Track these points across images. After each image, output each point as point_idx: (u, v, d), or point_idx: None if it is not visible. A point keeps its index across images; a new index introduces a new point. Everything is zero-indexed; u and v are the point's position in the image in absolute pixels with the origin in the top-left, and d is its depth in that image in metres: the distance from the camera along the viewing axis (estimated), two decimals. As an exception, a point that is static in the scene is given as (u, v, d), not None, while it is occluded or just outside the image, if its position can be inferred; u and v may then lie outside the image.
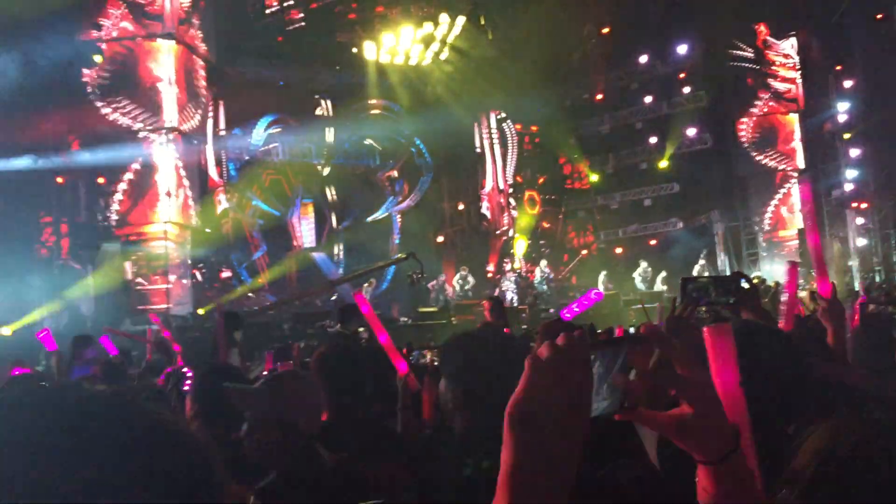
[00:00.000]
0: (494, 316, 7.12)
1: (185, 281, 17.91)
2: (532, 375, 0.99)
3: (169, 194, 17.07)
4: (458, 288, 21.37)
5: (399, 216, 24.80)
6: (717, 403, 1.06)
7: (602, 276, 21.84)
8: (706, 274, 20.44)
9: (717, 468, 1.02)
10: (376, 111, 24.38)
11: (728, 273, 19.89)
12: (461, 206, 26.63)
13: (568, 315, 5.14)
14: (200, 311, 16.66)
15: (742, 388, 1.70)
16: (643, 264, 22.26)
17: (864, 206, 21.44)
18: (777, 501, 0.82)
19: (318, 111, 23.41)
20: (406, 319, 17.46)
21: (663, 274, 21.07)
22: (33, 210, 16.39)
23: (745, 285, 3.12)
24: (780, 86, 23.56)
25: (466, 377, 2.10)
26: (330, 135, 23.39)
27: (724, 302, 3.10)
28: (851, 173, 21.62)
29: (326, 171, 23.39)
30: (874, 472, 0.83)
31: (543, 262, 22.99)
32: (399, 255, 19.19)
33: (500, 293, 21.76)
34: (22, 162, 15.39)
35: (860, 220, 21.25)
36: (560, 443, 0.95)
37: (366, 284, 20.77)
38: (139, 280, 16.83)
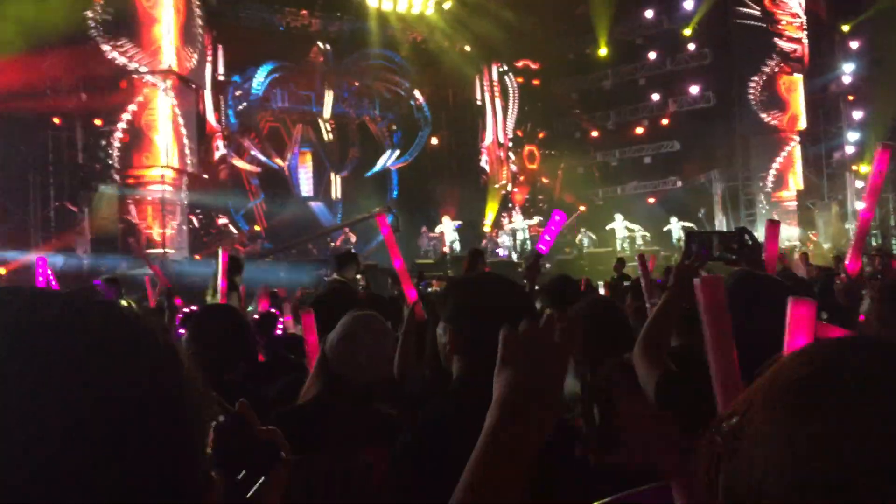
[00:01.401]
0: (470, 269, 7.12)
1: (182, 226, 17.89)
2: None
3: (167, 138, 16.95)
4: (450, 237, 21.29)
5: (397, 170, 24.69)
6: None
7: (619, 219, 21.91)
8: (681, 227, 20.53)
9: None
10: (377, 61, 24.10)
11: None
12: (460, 159, 26.49)
13: (542, 248, 5.10)
14: (197, 257, 16.70)
15: (742, 335, 1.71)
16: (618, 217, 22.23)
17: (864, 169, 21.38)
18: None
19: (319, 59, 23.14)
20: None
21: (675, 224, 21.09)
22: (30, 151, 16.27)
23: (749, 241, 3.13)
24: (787, 45, 23.29)
25: (463, 321, 2.09)
26: (329, 83, 23.16)
27: (727, 257, 3.12)
28: (853, 136, 21.51)
29: (325, 120, 23.20)
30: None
31: (538, 219, 22.98)
32: (377, 209, 19.22)
33: (496, 247, 21.84)
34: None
35: (859, 184, 21.21)
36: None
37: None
38: (136, 224, 16.79)
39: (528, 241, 21.67)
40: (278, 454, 1.08)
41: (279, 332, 4.93)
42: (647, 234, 22.00)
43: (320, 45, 22.98)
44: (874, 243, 20.36)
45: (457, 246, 20.94)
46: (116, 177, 16.75)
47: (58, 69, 16.03)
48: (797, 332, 1.63)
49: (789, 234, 21.92)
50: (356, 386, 2.57)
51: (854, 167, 21.30)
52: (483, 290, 2.14)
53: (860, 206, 20.50)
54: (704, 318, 1.66)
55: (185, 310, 4.34)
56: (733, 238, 3.16)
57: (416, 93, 24.70)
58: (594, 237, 22.17)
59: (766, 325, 1.69)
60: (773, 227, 3.85)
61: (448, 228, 21.54)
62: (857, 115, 21.56)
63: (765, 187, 23.67)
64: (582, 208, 26.12)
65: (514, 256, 20.53)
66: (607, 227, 22.38)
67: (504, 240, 22.32)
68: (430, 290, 7.41)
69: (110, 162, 16.71)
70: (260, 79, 21.85)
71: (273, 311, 5.49)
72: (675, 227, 21.53)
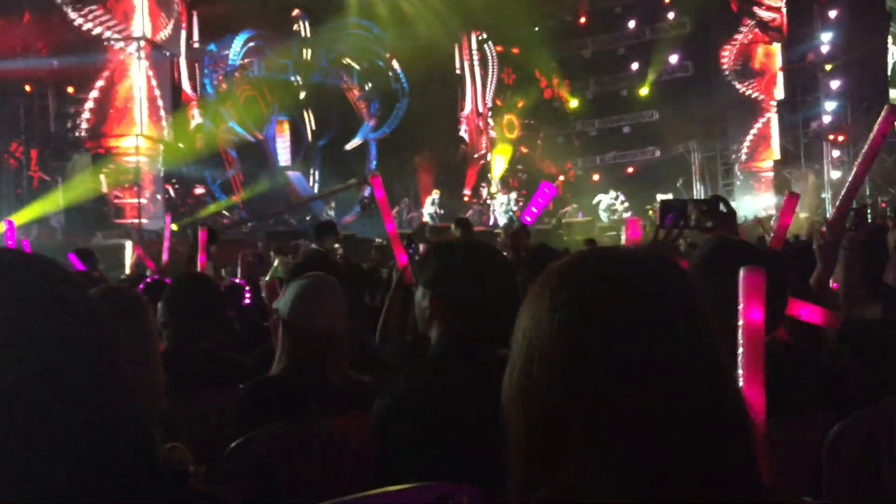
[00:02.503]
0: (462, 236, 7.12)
1: (158, 196, 17.69)
2: None
3: (141, 107, 16.69)
4: (429, 209, 21.26)
5: (376, 141, 24.53)
6: None
7: (607, 196, 21.99)
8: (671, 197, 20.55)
9: None
10: (354, 31, 23.81)
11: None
12: (439, 129, 26.35)
13: (528, 219, 5.11)
14: (174, 227, 16.51)
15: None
16: (611, 192, 22.31)
17: (840, 138, 21.47)
18: None
19: (295, 27, 22.81)
20: (381, 241, 17.44)
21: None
22: (1, 119, 15.97)
23: (723, 209, 3.12)
24: (765, 14, 23.23)
25: (441, 286, 2.07)
26: (307, 52, 22.88)
27: (703, 226, 3.11)
28: (830, 105, 21.56)
29: (302, 89, 22.94)
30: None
31: (512, 195, 22.95)
32: (352, 179, 19.12)
33: (488, 215, 21.89)
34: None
35: (836, 153, 21.31)
36: None
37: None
38: (111, 193, 16.58)
39: (513, 214, 21.65)
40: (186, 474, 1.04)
41: (247, 301, 4.91)
42: (628, 203, 22.07)
43: (297, 14, 22.65)
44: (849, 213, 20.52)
45: (436, 218, 20.92)
46: (90, 146, 16.50)
47: (29, 36, 15.70)
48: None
49: (766, 203, 22.06)
50: (319, 345, 2.56)
51: (831, 136, 21.39)
52: (464, 256, 2.11)
53: (836, 175, 20.67)
54: (743, 307, 1.65)
55: (148, 280, 4.31)
56: (708, 206, 3.15)
57: (395, 63, 24.46)
58: (576, 206, 22.29)
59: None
60: (792, 199, 3.91)
61: (427, 202, 21.45)
62: (835, 84, 21.60)
63: (741, 157, 23.76)
64: (561, 178, 26.15)
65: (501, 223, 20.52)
66: (594, 201, 22.42)
67: (496, 206, 22.29)
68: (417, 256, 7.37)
69: (83, 128, 16.44)
70: (237, 48, 21.53)
71: (238, 281, 5.48)
72: (605, 200, 21.85)
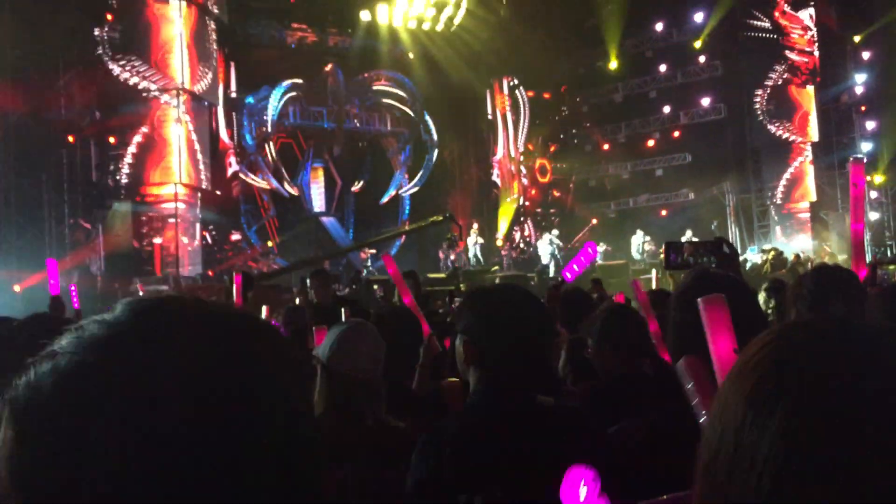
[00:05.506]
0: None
1: (195, 242, 17.96)
2: None
3: (180, 155, 17.04)
4: (471, 251, 21.24)
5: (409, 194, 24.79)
6: None
7: (637, 237, 21.84)
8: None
9: None
10: (385, 84, 24.24)
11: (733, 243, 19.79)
12: (472, 174, 26.53)
13: (569, 275, 5.08)
14: (210, 273, 16.75)
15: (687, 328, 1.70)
16: (639, 233, 22.13)
17: (878, 179, 21.25)
18: None
19: (330, 76, 23.26)
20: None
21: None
22: (45, 169, 16.39)
23: (726, 250, 3.17)
24: (797, 57, 23.24)
25: (476, 332, 2.08)
26: (341, 100, 23.27)
27: (705, 265, 3.16)
28: (866, 146, 21.40)
29: (336, 135, 23.29)
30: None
31: (555, 231, 22.87)
32: (436, 216, 19.25)
33: (510, 259, 21.85)
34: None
35: (873, 194, 21.08)
36: None
37: (371, 251, 20.86)
38: (149, 240, 16.86)
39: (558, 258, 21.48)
40: None
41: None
42: (653, 245, 21.93)
43: (331, 64, 23.10)
44: (889, 253, 20.21)
45: (480, 258, 20.98)
46: (130, 194, 16.84)
47: (72, 88, 16.17)
48: (715, 330, 1.60)
49: (803, 244, 21.79)
50: (356, 390, 2.58)
51: (868, 178, 21.18)
52: (499, 301, 2.13)
53: (874, 216, 20.42)
54: (709, 338, 1.64)
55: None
56: (709, 247, 3.21)
57: (425, 114, 24.78)
58: (608, 248, 22.19)
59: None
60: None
61: (471, 241, 21.46)
62: (870, 125, 21.45)
63: (777, 198, 23.56)
64: (594, 221, 26.10)
65: (552, 268, 20.43)
66: (632, 239, 22.28)
67: (544, 248, 22.24)
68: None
69: (124, 179, 16.80)
70: (274, 102, 21.95)
71: (273, 323, 5.51)
72: (635, 241, 21.68)
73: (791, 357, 0.70)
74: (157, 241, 16.95)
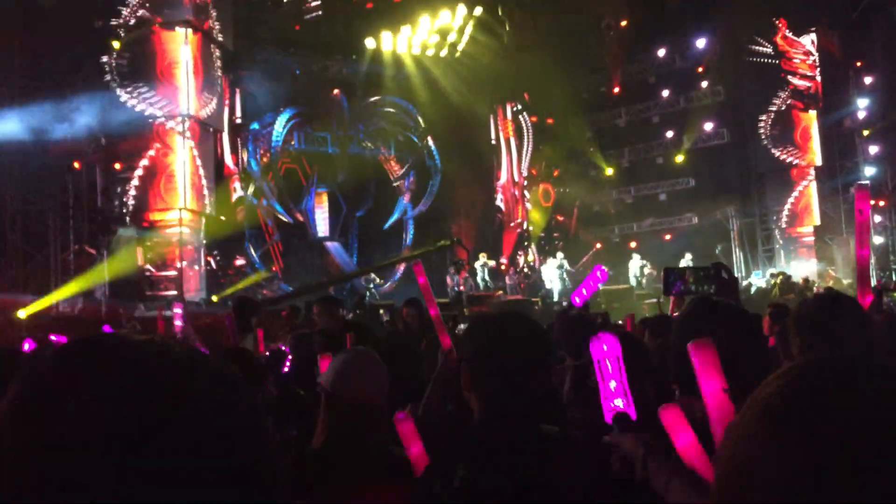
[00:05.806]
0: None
1: (198, 268, 17.99)
2: None
3: (185, 181, 17.12)
4: (479, 274, 21.21)
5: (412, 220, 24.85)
6: None
7: (634, 262, 21.76)
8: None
9: None
10: (390, 110, 24.40)
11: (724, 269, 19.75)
12: (475, 198, 26.57)
13: (578, 300, 5.05)
14: (214, 298, 16.75)
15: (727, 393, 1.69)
16: (636, 258, 22.05)
17: (881, 203, 21.24)
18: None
19: (335, 102, 23.40)
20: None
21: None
22: (50, 195, 16.47)
23: (725, 276, 3.17)
24: (799, 82, 23.34)
25: (476, 360, 2.08)
26: (345, 125, 23.41)
27: (705, 292, 3.15)
28: (869, 170, 21.43)
29: (340, 160, 23.38)
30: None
31: (560, 255, 22.86)
32: (444, 241, 19.28)
33: (517, 284, 21.84)
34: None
35: (877, 218, 21.06)
36: None
37: (378, 280, 20.89)
38: (153, 266, 16.89)
39: (566, 281, 21.47)
40: None
41: (286, 369, 4.92)
42: (652, 270, 21.85)
43: (335, 90, 23.26)
44: (894, 278, 20.15)
45: (489, 282, 20.98)
46: (135, 219, 16.88)
47: (78, 114, 16.28)
48: (705, 373, 1.58)
49: (808, 269, 21.75)
50: (359, 417, 2.57)
51: (871, 202, 21.16)
52: (499, 330, 2.13)
53: (878, 240, 20.39)
54: (699, 380, 1.63)
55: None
56: (709, 273, 3.21)
57: (429, 140, 24.90)
58: (610, 272, 22.11)
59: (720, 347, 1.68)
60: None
61: (479, 264, 21.45)
62: (873, 149, 21.50)
63: (781, 223, 23.56)
64: (598, 245, 26.11)
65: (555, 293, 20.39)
66: (629, 265, 22.22)
67: (549, 273, 22.21)
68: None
69: (129, 204, 16.86)
70: (279, 128, 22.09)
71: (283, 348, 5.48)
72: (633, 266, 21.61)
73: (812, 397, 0.71)
74: (161, 266, 16.98)
